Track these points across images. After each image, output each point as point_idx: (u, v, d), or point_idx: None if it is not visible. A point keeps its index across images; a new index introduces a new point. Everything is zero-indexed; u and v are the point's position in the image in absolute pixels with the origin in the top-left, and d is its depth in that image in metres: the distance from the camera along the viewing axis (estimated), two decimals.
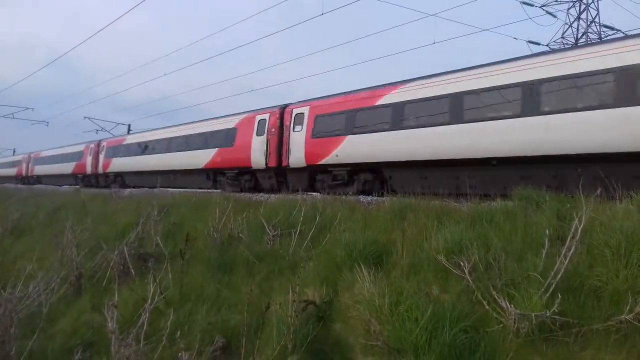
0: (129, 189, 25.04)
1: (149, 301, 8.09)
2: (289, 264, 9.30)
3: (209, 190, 21.63)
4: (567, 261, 6.32)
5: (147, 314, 7.88)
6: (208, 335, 7.65)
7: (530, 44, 36.31)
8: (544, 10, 37.58)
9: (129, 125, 47.10)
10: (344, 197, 13.24)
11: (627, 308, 5.59)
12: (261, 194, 17.23)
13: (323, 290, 8.11)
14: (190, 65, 59.29)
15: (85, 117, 47.50)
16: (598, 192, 7.37)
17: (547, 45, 37.37)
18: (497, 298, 6.37)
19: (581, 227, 6.52)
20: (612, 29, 36.39)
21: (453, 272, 7.27)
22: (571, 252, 6.37)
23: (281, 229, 10.91)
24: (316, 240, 10.05)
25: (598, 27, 37.06)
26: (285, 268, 9.25)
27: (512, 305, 6.10)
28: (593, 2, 37.02)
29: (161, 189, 21.07)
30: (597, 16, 37.18)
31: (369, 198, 13.01)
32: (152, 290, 8.33)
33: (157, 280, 8.70)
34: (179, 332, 7.65)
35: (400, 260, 8.24)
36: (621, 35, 32.81)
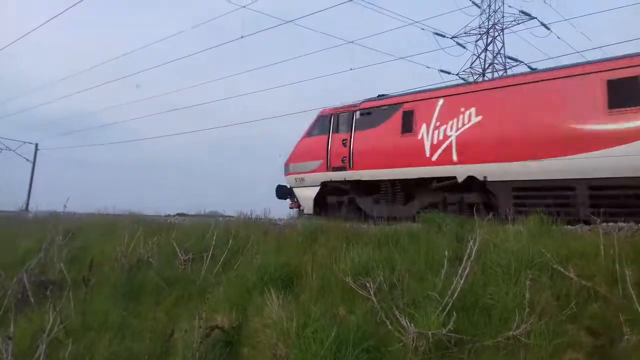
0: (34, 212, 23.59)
1: (47, 331, 7.73)
2: (199, 289, 9.17)
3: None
4: (462, 281, 6.68)
5: (45, 345, 7.54)
6: None
7: (442, 73, 38.28)
8: (454, 41, 39.81)
9: (37, 145, 44.76)
10: (258, 219, 13.26)
11: (515, 325, 5.97)
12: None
13: (233, 315, 8.05)
14: (107, 82, 57.25)
15: None
16: (490, 215, 7.87)
17: (457, 75, 39.52)
18: (399, 317, 6.60)
19: (475, 248, 6.94)
20: (516, 60, 39.11)
21: (359, 293, 7.47)
22: (466, 272, 6.75)
23: (193, 253, 10.75)
24: (229, 264, 9.99)
25: (503, 58, 39.67)
26: (195, 293, 9.12)
27: (412, 325, 6.35)
28: (499, 35, 39.64)
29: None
30: (503, 48, 39.83)
31: (283, 221, 13.11)
32: (51, 319, 7.96)
33: (57, 309, 8.32)
34: None
35: (310, 282, 8.36)
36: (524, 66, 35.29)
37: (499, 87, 13.30)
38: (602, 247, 6.88)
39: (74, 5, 19.66)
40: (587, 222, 9.31)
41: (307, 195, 16.66)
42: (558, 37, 37.30)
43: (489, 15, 39.71)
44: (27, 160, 44.89)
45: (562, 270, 6.76)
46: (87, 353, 7.70)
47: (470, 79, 39.76)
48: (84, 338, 8.23)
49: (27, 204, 39.16)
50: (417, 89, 16.19)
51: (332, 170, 15.73)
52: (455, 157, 12.93)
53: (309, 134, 17.12)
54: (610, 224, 8.60)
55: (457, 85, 16.10)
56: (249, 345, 7.52)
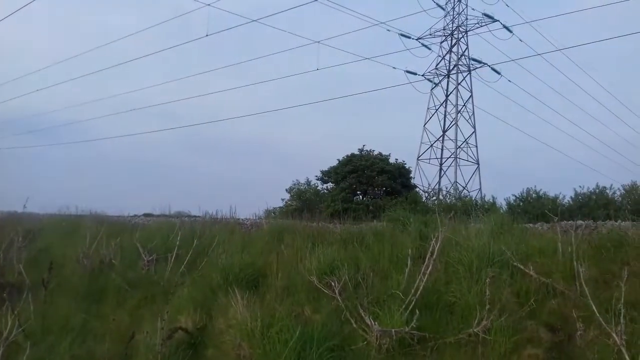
0: None
1: (5, 335, 7.51)
2: (163, 290, 9.05)
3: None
4: (425, 279, 6.77)
5: (2, 349, 7.33)
6: None
7: (408, 74, 38.68)
8: (419, 42, 40.25)
9: None
10: (224, 219, 13.18)
11: (476, 321, 6.07)
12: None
13: (197, 316, 7.97)
14: (68, 80, 55.81)
15: None
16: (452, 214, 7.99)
17: (422, 75, 40.00)
18: (363, 316, 6.64)
19: (438, 246, 7.03)
20: (479, 62, 39.85)
21: (325, 292, 7.49)
22: (429, 270, 6.84)
23: (157, 254, 10.60)
24: (193, 265, 9.88)
25: (467, 60, 40.35)
26: (159, 294, 8.98)
27: (376, 323, 6.39)
28: (463, 37, 40.29)
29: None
30: (467, 50, 40.50)
31: (249, 220, 13.06)
32: (9, 322, 7.74)
33: (16, 312, 8.09)
34: None
35: (275, 282, 8.34)
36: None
37: None
38: (559, 244, 7.06)
39: (30, 2, 18.84)
40: (546, 220, 9.55)
41: None
42: (520, 40, 38.10)
43: (453, 18, 40.36)
44: None
45: (522, 267, 6.92)
46: (47, 356, 7.50)
47: (436, 80, 40.40)
48: (43, 341, 8.01)
49: None
50: None
51: None
52: None
53: None
54: (569, 222, 8.84)
55: None
56: (213, 346, 7.45)
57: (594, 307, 5.55)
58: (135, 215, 19.01)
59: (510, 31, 38.22)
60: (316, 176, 31.13)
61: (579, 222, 8.81)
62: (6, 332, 7.58)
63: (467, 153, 40.08)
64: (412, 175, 32.87)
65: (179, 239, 10.51)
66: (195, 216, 15.41)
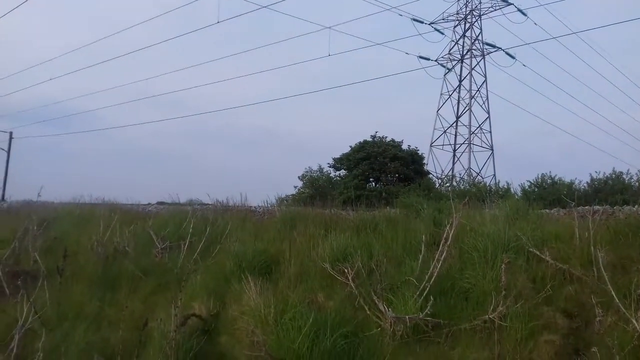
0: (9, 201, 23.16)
1: (21, 322, 7.58)
2: (177, 278, 9.05)
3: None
4: (439, 265, 6.70)
5: (18, 336, 7.40)
6: (86, 356, 7.28)
7: (421, 59, 38.23)
8: (432, 27, 39.71)
9: (11, 133, 43.82)
10: (235, 206, 13.18)
11: (491, 307, 6.00)
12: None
13: (210, 302, 7.99)
14: (80, 69, 55.89)
15: None
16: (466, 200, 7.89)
17: (435, 61, 39.53)
18: (377, 302, 6.61)
19: (452, 232, 6.95)
20: (493, 46, 39.26)
21: (338, 279, 7.46)
22: (443, 256, 6.76)
23: (170, 242, 10.64)
24: (206, 252, 9.89)
25: (481, 44, 39.78)
26: (173, 282, 8.99)
27: (389, 309, 6.35)
28: (476, 21, 39.70)
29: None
30: (481, 34, 39.92)
31: (261, 208, 13.04)
32: (25, 310, 7.81)
33: (31, 300, 8.16)
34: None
35: (288, 269, 8.32)
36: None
37: None
38: (577, 230, 6.94)
39: None
40: (563, 206, 9.41)
41: None
42: (535, 23, 37.44)
43: (466, 1, 39.73)
44: (2, 149, 43.85)
45: (537, 253, 6.82)
46: (63, 343, 7.56)
47: (449, 65, 39.93)
48: (59, 328, 8.08)
49: (3, 194, 38.45)
50: None
51: None
52: None
53: None
54: (587, 207, 8.69)
55: None
56: (226, 332, 7.47)
57: (613, 293, 5.45)
58: (148, 204, 19.10)
59: (525, 14, 37.57)
60: (329, 163, 31.03)
61: (597, 207, 8.65)
62: (22, 319, 7.66)
63: (480, 139, 39.60)
64: (425, 161, 32.61)
65: (191, 226, 10.53)
66: (207, 204, 15.42)
